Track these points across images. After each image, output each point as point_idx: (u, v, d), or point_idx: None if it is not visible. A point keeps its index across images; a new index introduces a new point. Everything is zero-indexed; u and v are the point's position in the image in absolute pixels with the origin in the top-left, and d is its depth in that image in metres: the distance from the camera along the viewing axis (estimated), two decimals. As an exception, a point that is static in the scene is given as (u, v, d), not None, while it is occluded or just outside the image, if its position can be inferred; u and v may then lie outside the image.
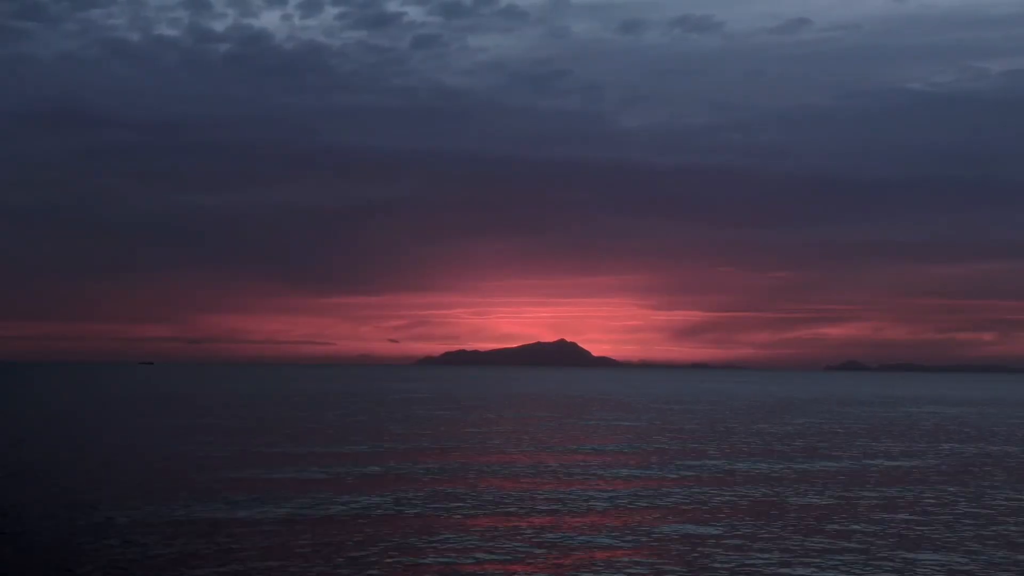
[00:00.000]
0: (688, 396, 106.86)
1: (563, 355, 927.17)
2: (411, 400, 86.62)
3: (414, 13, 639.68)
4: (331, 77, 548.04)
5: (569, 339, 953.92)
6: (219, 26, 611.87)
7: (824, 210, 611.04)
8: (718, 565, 17.90)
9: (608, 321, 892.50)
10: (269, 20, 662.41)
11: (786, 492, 27.48)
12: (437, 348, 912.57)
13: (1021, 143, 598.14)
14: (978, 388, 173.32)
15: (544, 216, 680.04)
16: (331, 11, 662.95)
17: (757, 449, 40.54)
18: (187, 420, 55.79)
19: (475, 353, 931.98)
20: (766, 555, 18.82)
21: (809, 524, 22.26)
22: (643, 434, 48.15)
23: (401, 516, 22.58)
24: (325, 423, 53.49)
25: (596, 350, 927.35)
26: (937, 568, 17.98)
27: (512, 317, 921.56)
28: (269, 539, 19.62)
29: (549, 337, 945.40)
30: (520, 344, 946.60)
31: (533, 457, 35.96)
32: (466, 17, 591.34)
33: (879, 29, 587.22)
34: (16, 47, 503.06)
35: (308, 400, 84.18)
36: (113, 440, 41.48)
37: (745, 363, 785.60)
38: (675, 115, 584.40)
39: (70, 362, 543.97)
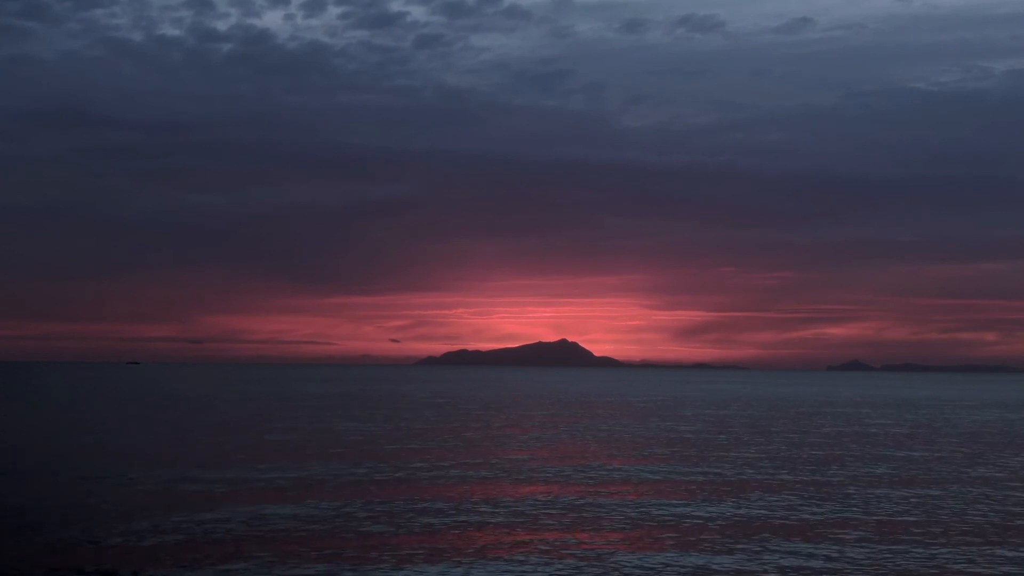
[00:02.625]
0: (702, 399, 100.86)
1: (565, 355, 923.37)
2: (403, 405, 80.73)
3: (417, 13, 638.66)
4: (334, 77, 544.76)
5: (571, 339, 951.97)
6: (222, 26, 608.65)
7: (827, 210, 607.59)
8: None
9: (610, 321, 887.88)
10: (272, 20, 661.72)
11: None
12: (439, 348, 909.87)
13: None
14: (991, 390, 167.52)
15: (546, 216, 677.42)
16: (334, 11, 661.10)
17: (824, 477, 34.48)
18: (120, 430, 50.00)
19: (477, 353, 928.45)
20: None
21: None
22: (677, 449, 42.13)
23: None
24: (302, 433, 47.57)
25: (598, 350, 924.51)
26: None
27: (514, 317, 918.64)
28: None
29: (551, 337, 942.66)
30: (522, 344, 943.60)
31: (552, 488, 28.24)
32: (469, 17, 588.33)
33: (883, 28, 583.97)
34: (19, 47, 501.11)
35: (296, 403, 78.33)
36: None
37: (747, 363, 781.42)
38: (678, 115, 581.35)
39: (62, 362, 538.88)
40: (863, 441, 45.98)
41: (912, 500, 26.09)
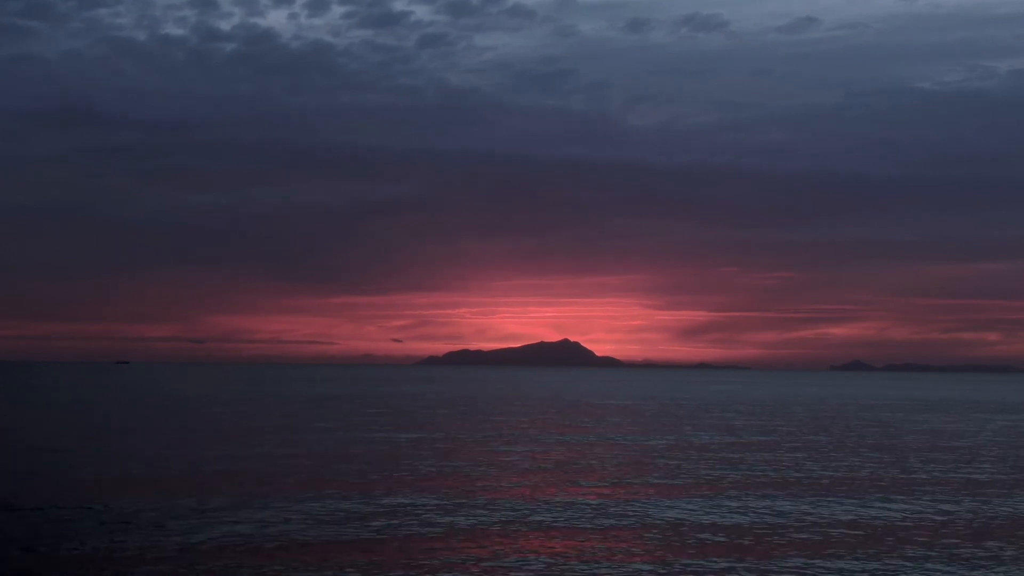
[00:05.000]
0: (722, 400, 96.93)
1: (567, 355, 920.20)
2: (402, 408, 76.90)
3: (420, 12, 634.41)
4: (337, 76, 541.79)
5: (573, 339, 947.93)
6: (225, 25, 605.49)
7: (830, 209, 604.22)
8: None
9: (612, 321, 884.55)
10: (275, 19, 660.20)
11: None
12: (441, 348, 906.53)
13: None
14: (1004, 390, 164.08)
15: (549, 216, 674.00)
16: (337, 10, 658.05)
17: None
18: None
19: (479, 353, 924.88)
20: None
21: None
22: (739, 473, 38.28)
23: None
24: (283, 447, 43.61)
25: (600, 350, 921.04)
26: None
27: (516, 317, 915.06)
28: None
29: (553, 337, 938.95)
30: (524, 344, 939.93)
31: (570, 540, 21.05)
32: (473, 16, 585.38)
33: (887, 28, 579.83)
34: (22, 46, 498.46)
35: (277, 407, 74.46)
36: None
37: (749, 363, 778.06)
38: (681, 114, 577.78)
39: (57, 362, 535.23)
40: None
41: None
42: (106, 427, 51.39)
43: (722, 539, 20.52)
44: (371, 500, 25.22)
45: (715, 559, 18.54)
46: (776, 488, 28.63)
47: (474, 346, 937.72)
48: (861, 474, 32.79)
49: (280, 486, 27.61)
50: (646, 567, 17.82)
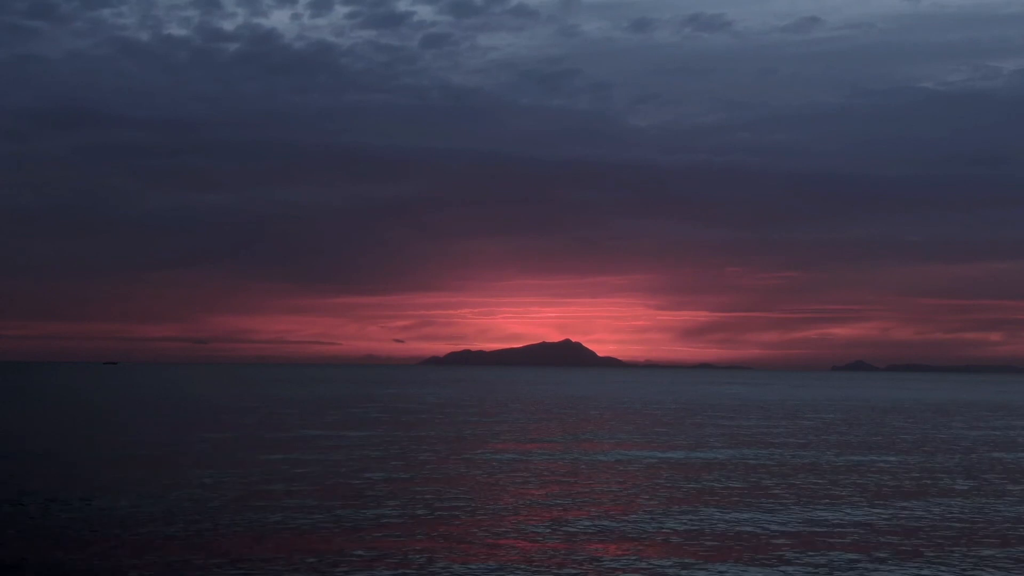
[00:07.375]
0: (732, 403, 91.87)
1: (569, 355, 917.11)
2: (397, 413, 72.00)
3: (424, 12, 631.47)
4: (340, 76, 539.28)
5: (575, 339, 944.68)
6: (229, 25, 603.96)
7: (833, 209, 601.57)
8: None
9: (614, 321, 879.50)
10: (279, 19, 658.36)
11: None
12: (443, 348, 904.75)
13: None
14: (1012, 391, 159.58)
15: (552, 216, 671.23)
16: (341, 10, 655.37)
17: None
18: None
19: (480, 353, 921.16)
20: None
21: None
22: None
23: None
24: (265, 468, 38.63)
25: (602, 350, 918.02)
26: None
27: (518, 317, 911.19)
28: None
29: (555, 337, 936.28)
30: (526, 344, 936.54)
31: None
32: (476, 16, 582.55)
33: (891, 27, 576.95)
34: (26, 46, 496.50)
35: (260, 411, 69.58)
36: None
37: (752, 363, 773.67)
38: (685, 114, 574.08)
39: (52, 362, 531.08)
40: None
41: None
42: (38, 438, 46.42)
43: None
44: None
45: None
46: (830, 541, 23.64)
47: (476, 346, 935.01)
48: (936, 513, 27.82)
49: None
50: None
